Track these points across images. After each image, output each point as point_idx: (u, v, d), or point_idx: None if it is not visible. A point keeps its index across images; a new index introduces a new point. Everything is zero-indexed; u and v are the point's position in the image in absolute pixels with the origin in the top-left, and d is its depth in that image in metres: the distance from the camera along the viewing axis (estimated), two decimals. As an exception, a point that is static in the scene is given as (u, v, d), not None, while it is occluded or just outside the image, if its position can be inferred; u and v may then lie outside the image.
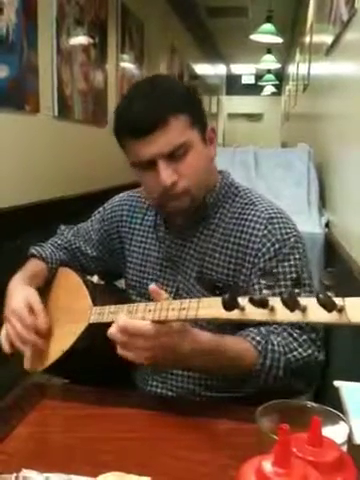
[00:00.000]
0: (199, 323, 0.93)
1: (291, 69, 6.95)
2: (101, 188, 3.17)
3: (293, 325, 0.96)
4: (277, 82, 10.30)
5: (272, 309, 0.63)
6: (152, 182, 0.99)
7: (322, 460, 0.52)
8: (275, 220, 1.02)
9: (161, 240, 1.14)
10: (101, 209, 1.29)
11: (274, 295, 0.63)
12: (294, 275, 0.99)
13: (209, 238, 1.07)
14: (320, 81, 2.90)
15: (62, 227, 1.34)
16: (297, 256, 1.01)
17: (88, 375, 1.02)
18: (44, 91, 2.51)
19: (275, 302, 0.62)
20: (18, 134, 2.31)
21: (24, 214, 2.27)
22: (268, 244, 1.00)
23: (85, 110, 3.11)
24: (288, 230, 1.02)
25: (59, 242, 1.28)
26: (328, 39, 2.30)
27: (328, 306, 0.57)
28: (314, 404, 0.67)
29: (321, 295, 0.57)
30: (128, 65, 3.97)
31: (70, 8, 2.78)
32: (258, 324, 0.95)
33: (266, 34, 5.19)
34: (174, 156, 0.96)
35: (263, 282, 0.67)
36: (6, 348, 1.05)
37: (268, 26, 5.17)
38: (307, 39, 3.97)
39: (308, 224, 1.92)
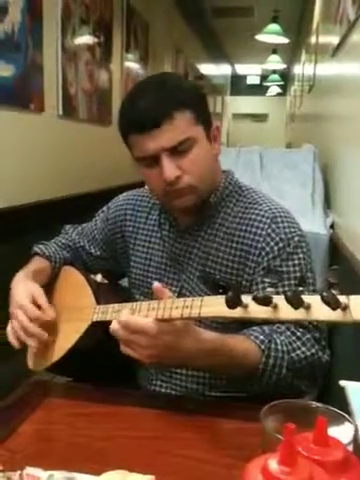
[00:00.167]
0: (203, 322, 0.93)
1: (297, 69, 6.94)
2: (106, 187, 3.17)
3: (297, 324, 0.96)
4: (282, 82, 10.29)
5: (275, 307, 0.63)
6: (156, 178, 0.99)
7: (328, 459, 0.52)
8: (279, 219, 1.03)
9: (165, 239, 1.14)
10: (105, 208, 1.29)
11: (278, 293, 0.63)
12: (298, 274, 0.99)
13: (213, 237, 1.07)
14: (326, 82, 2.89)
15: (67, 227, 1.34)
16: (301, 255, 1.01)
17: (91, 374, 1.02)
18: (49, 90, 2.51)
19: (279, 300, 0.62)
20: (23, 133, 2.32)
21: (28, 213, 2.27)
22: (272, 243, 1.00)
23: (90, 109, 3.11)
24: (292, 229, 1.02)
25: (63, 241, 1.29)
26: (334, 39, 2.29)
27: (332, 304, 0.57)
28: (319, 404, 0.67)
29: (325, 293, 0.57)
30: (133, 65, 3.97)
31: (75, 7, 2.79)
32: (262, 323, 0.95)
33: (272, 34, 5.19)
34: (178, 151, 0.97)
35: (267, 280, 0.67)
36: (14, 343, 1.05)
37: (274, 26, 5.16)
38: (313, 39, 3.96)
39: (313, 225, 1.92)
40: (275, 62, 7.38)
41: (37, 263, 1.19)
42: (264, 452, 0.52)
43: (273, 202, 1.08)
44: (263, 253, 1.00)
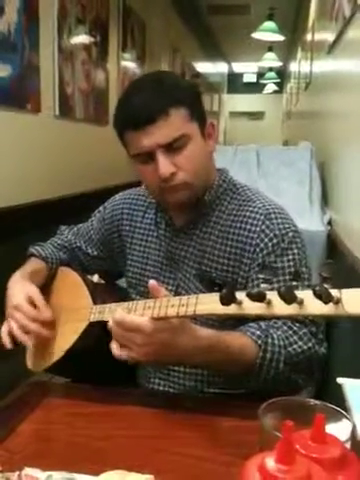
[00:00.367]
0: (200, 320, 0.94)
1: (293, 67, 6.93)
2: (102, 187, 3.17)
3: (293, 319, 0.96)
4: (279, 80, 10.30)
5: (269, 303, 0.63)
6: (151, 174, 1.00)
7: (325, 457, 0.52)
8: (273, 215, 1.03)
9: (161, 238, 1.14)
10: (101, 208, 1.29)
11: (272, 289, 0.64)
12: (293, 269, 0.99)
13: (208, 235, 1.08)
14: (322, 79, 2.89)
15: (62, 227, 1.35)
16: (295, 251, 1.01)
17: (90, 374, 1.03)
18: (45, 90, 2.51)
19: (272, 296, 0.63)
20: (19, 133, 2.31)
21: (25, 213, 2.26)
22: (266, 239, 1.01)
23: (86, 109, 3.11)
24: (286, 225, 1.03)
25: (59, 242, 1.29)
26: (330, 36, 2.29)
27: (324, 298, 0.57)
28: (317, 401, 0.67)
29: (317, 287, 0.57)
30: (130, 64, 3.96)
31: (71, 7, 2.78)
32: (257, 319, 0.96)
33: (268, 32, 5.20)
34: (173, 148, 0.98)
35: (261, 276, 0.67)
36: (7, 343, 1.05)
37: (270, 24, 5.17)
38: (309, 37, 3.96)
39: (310, 222, 1.92)
40: (271, 60, 7.39)
41: (33, 264, 1.19)
42: (262, 450, 0.52)
43: (267, 199, 1.08)
44: (257, 250, 1.01)
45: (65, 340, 1.04)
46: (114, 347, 0.84)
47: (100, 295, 1.08)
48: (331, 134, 2.28)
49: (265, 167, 2.35)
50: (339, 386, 0.71)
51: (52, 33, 2.58)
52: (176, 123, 0.97)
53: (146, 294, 1.01)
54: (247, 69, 11.54)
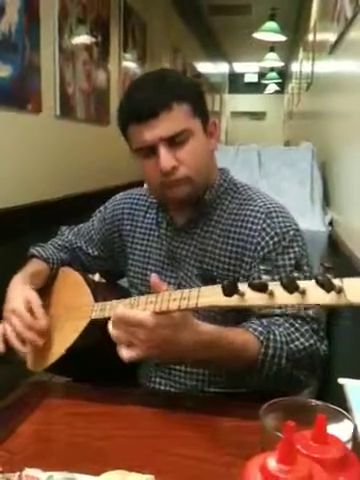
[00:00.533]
0: (202, 314, 0.94)
1: (294, 67, 6.93)
2: (103, 187, 3.17)
3: (295, 316, 0.96)
4: (280, 80, 10.30)
5: (271, 293, 0.63)
6: (153, 169, 1.01)
7: (327, 457, 0.51)
8: (274, 214, 1.04)
9: (163, 238, 1.15)
10: (102, 208, 1.29)
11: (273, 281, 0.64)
12: (294, 268, 0.99)
13: (209, 234, 1.08)
14: (324, 79, 2.89)
15: (63, 228, 1.35)
16: (296, 249, 1.02)
17: (91, 373, 1.02)
18: (46, 90, 2.51)
19: (274, 286, 0.63)
20: (20, 133, 2.31)
21: (26, 214, 2.27)
22: (267, 238, 1.01)
23: (87, 109, 3.11)
24: (287, 223, 1.03)
25: (60, 242, 1.29)
26: (332, 37, 2.29)
27: (326, 286, 0.57)
28: (318, 402, 0.67)
29: (319, 276, 0.58)
30: (131, 64, 3.96)
31: (72, 7, 2.78)
32: (260, 316, 0.96)
33: (269, 32, 5.19)
34: (175, 142, 0.99)
35: (262, 268, 0.68)
36: (0, 348, 1.05)
37: (271, 24, 5.16)
38: (310, 37, 3.96)
39: (312, 222, 1.92)
40: (273, 60, 7.39)
41: (35, 265, 1.19)
42: (263, 450, 0.52)
43: (268, 198, 1.09)
44: (259, 248, 1.01)
45: (66, 339, 1.04)
46: (122, 350, 0.83)
47: (101, 293, 1.08)
48: (332, 134, 2.28)
49: (266, 167, 2.35)
50: (340, 386, 0.71)
51: (53, 33, 2.58)
52: (179, 118, 0.99)
53: (148, 293, 1.01)
54: (248, 69, 11.55)
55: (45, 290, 1.18)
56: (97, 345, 1.01)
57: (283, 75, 10.09)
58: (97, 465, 0.69)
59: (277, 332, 0.93)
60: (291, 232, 1.03)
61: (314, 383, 1.27)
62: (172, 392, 1.11)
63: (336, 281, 0.57)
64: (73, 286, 1.15)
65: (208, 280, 1.05)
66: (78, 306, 1.08)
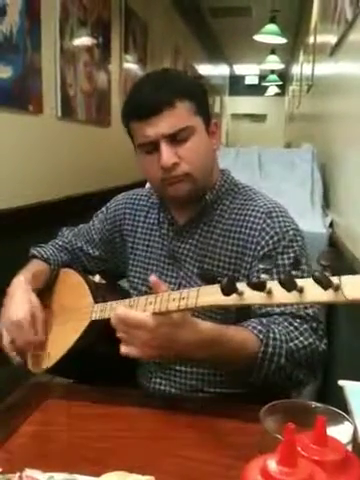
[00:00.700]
0: (203, 314, 0.94)
1: (295, 69, 6.94)
2: (105, 188, 3.17)
3: (294, 315, 0.97)
4: (281, 82, 10.29)
5: (270, 292, 0.64)
6: (154, 165, 1.02)
7: (327, 459, 0.51)
8: (274, 214, 1.04)
9: (164, 237, 1.15)
10: (104, 209, 1.30)
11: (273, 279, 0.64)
12: (292, 265, 0.99)
13: (210, 234, 1.09)
14: (324, 81, 2.89)
15: (64, 229, 1.35)
16: (296, 248, 1.02)
17: (91, 374, 1.03)
18: (48, 92, 2.51)
19: (273, 285, 0.63)
20: (21, 134, 2.32)
21: (27, 214, 2.27)
22: (267, 237, 1.02)
23: (88, 111, 3.11)
24: (287, 223, 1.04)
25: (60, 243, 1.29)
26: (332, 39, 2.29)
27: (324, 283, 0.57)
28: (318, 404, 0.67)
29: (317, 273, 0.58)
30: (132, 66, 3.97)
31: (73, 9, 2.79)
32: (259, 315, 0.97)
33: (270, 34, 5.19)
34: (177, 140, 1.00)
35: (261, 266, 0.68)
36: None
37: (272, 26, 5.16)
38: (311, 39, 3.96)
39: (312, 224, 1.92)
40: (273, 62, 7.38)
41: (36, 266, 1.19)
42: (261, 453, 0.52)
43: (268, 198, 1.10)
44: (259, 247, 1.02)
45: (66, 340, 1.05)
46: (122, 347, 0.84)
47: (102, 294, 1.09)
48: (333, 136, 2.28)
49: (267, 169, 2.35)
50: (340, 388, 0.71)
51: (54, 35, 2.58)
52: (181, 115, 1.00)
53: (148, 293, 1.01)
54: (249, 71, 11.55)
55: (45, 291, 1.18)
56: (97, 346, 1.01)
57: (284, 77, 10.09)
58: (97, 466, 0.69)
59: (276, 330, 0.93)
60: (291, 232, 1.03)
61: (314, 382, 1.27)
62: (172, 392, 1.11)
63: (334, 278, 0.58)
64: (73, 287, 1.15)
65: (209, 279, 1.05)
66: (78, 307, 1.08)
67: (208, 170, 1.07)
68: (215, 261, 1.07)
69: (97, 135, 3.29)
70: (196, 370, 1.08)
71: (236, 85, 12.12)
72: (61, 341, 1.07)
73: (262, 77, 11.00)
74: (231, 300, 0.68)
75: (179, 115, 1.00)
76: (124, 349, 0.83)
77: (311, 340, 0.95)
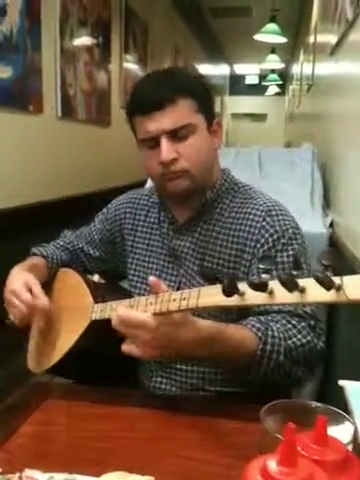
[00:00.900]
0: (202, 315, 0.94)
1: (295, 69, 6.94)
2: (105, 188, 3.17)
3: (292, 313, 0.97)
4: (281, 82, 10.29)
5: (271, 292, 0.63)
6: (155, 160, 1.03)
7: (327, 459, 0.51)
8: (273, 212, 1.05)
9: (164, 236, 1.16)
10: (105, 209, 1.30)
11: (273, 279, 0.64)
12: (293, 265, 1.00)
13: (210, 232, 1.09)
14: (324, 81, 2.89)
15: (65, 231, 1.36)
16: (296, 246, 1.03)
17: (92, 374, 1.03)
18: (48, 91, 2.51)
19: (274, 285, 0.63)
20: (22, 134, 2.32)
21: (26, 214, 2.27)
22: (267, 235, 1.03)
23: (89, 110, 3.11)
24: (286, 222, 1.05)
25: (61, 243, 1.30)
26: (332, 39, 2.29)
27: (326, 283, 0.57)
28: (318, 404, 0.67)
29: (319, 273, 0.58)
30: (132, 66, 3.97)
31: (73, 9, 2.79)
32: (257, 313, 0.97)
33: (270, 34, 5.19)
34: (177, 136, 1.01)
35: (261, 266, 0.68)
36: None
37: (272, 26, 5.16)
38: (311, 39, 3.96)
39: (312, 224, 1.91)
40: (273, 62, 7.38)
41: (34, 259, 1.21)
42: (261, 453, 0.52)
43: (268, 196, 1.11)
44: (258, 245, 1.03)
45: (67, 340, 1.05)
46: (125, 346, 0.84)
47: (101, 294, 1.09)
48: (333, 136, 2.28)
49: (267, 169, 2.35)
50: (340, 388, 0.71)
51: (54, 34, 2.58)
52: (183, 112, 1.01)
53: (149, 292, 1.01)
54: (249, 71, 11.55)
55: (45, 291, 1.18)
56: (97, 346, 1.01)
57: (284, 77, 10.09)
58: (97, 466, 0.69)
59: (275, 328, 0.94)
60: (290, 230, 1.04)
61: (313, 380, 1.27)
62: (173, 391, 1.11)
63: (335, 278, 0.58)
64: (73, 287, 1.15)
65: (208, 276, 1.06)
66: (78, 307, 1.08)
67: (207, 168, 1.07)
68: (215, 259, 1.07)
69: (97, 135, 3.29)
70: (197, 369, 1.09)
71: (236, 85, 12.12)
72: (61, 341, 1.07)
73: (262, 77, 11.00)
74: (232, 301, 0.68)
75: (181, 112, 1.01)
76: (125, 347, 0.84)
77: (309, 338, 0.96)
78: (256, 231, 1.04)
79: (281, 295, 0.62)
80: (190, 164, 1.03)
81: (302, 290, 0.60)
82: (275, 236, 1.02)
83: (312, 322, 0.98)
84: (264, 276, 0.64)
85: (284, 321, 0.96)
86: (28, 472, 0.68)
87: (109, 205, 1.30)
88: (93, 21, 3.08)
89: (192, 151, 1.03)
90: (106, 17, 3.32)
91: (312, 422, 0.54)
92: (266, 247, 1.02)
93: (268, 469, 0.47)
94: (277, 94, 11.32)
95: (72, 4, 2.76)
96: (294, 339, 0.94)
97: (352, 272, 0.58)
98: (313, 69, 3.66)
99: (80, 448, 0.80)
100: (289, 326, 0.96)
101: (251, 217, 1.05)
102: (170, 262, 1.13)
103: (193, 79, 1.11)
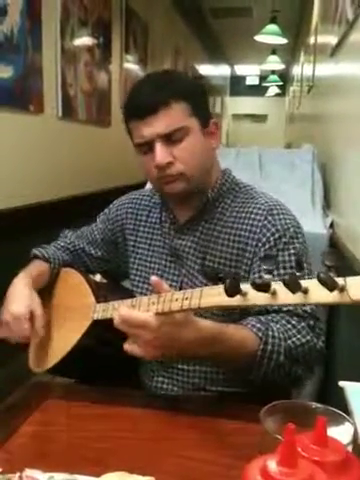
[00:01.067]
0: (204, 315, 0.94)
1: (295, 70, 6.94)
2: (105, 188, 3.18)
3: (291, 313, 0.97)
4: (281, 83, 10.29)
5: (274, 293, 0.63)
6: (150, 164, 1.04)
7: (327, 460, 0.51)
8: (275, 211, 1.05)
9: (165, 236, 1.16)
10: (106, 210, 1.31)
11: (276, 280, 0.64)
12: (294, 264, 1.01)
13: (211, 231, 1.10)
14: (325, 82, 2.89)
15: (66, 231, 1.36)
16: (297, 245, 1.03)
17: (93, 373, 1.03)
18: (48, 91, 2.52)
19: (277, 285, 0.63)
20: (22, 134, 2.32)
21: (26, 214, 2.27)
22: (268, 234, 1.03)
23: (89, 110, 3.11)
24: (287, 220, 1.05)
25: (62, 244, 1.30)
26: (333, 40, 2.29)
27: (329, 284, 0.57)
28: (318, 404, 0.67)
29: (322, 274, 0.58)
30: (132, 66, 3.97)
31: (74, 9, 2.79)
32: (257, 313, 0.97)
33: (270, 35, 5.19)
34: (172, 140, 1.02)
35: (264, 267, 0.68)
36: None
37: (272, 27, 5.16)
38: (312, 40, 3.96)
39: (312, 224, 1.91)
40: (274, 63, 7.38)
41: (37, 266, 1.20)
42: (261, 453, 0.52)
43: (269, 196, 1.11)
44: (260, 244, 1.03)
45: (68, 340, 1.05)
46: (127, 345, 0.84)
47: (103, 294, 1.09)
48: (333, 137, 2.28)
49: (267, 169, 2.35)
50: (341, 389, 0.71)
51: (55, 35, 2.59)
52: (176, 116, 1.01)
53: (151, 292, 1.01)
54: (250, 72, 11.56)
55: (47, 290, 1.19)
56: (99, 346, 1.01)
57: (284, 78, 10.09)
58: (98, 466, 0.69)
59: (275, 329, 0.94)
60: (292, 229, 1.04)
61: (312, 379, 1.27)
62: (174, 390, 1.11)
63: (338, 280, 0.58)
64: (75, 287, 1.15)
65: (210, 275, 1.06)
66: (80, 307, 1.08)
67: (204, 169, 1.08)
68: (216, 258, 1.07)
69: (97, 135, 3.30)
70: (199, 368, 1.09)
71: (237, 85, 12.12)
72: (63, 341, 1.07)
73: (263, 77, 11.01)
74: (235, 301, 0.68)
75: (174, 116, 1.01)
76: (127, 347, 0.84)
77: (309, 338, 0.96)
78: (257, 230, 1.04)
79: (284, 296, 0.62)
80: (185, 167, 1.03)
81: (305, 291, 0.60)
82: (276, 235, 1.03)
83: (311, 322, 0.98)
84: (267, 276, 0.64)
85: (284, 321, 0.97)
86: (28, 472, 0.68)
87: (111, 205, 1.30)
88: (94, 21, 3.09)
89: (187, 154, 1.03)
90: (107, 17, 3.33)
91: (312, 423, 0.54)
92: (267, 246, 1.02)
93: (268, 469, 0.47)
94: (277, 95, 11.32)
95: (73, 4, 2.76)
96: (294, 339, 0.95)
97: (352, 272, 0.58)
98: (313, 70, 3.66)
99: (80, 448, 0.80)
100: (289, 326, 0.96)
101: (252, 216, 1.06)
102: (172, 262, 1.14)
103: (187, 81, 1.11)
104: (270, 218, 1.04)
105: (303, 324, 0.97)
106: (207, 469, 0.74)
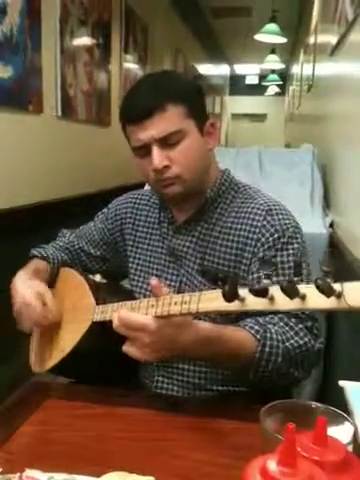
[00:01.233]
0: (202, 318, 0.94)
1: (295, 69, 6.93)
2: (105, 188, 3.17)
3: (290, 315, 0.98)
4: (281, 82, 10.29)
5: (272, 298, 0.63)
6: (147, 167, 1.04)
7: (327, 460, 0.51)
8: (274, 211, 1.05)
9: (164, 236, 1.16)
10: (105, 209, 1.31)
11: (273, 284, 0.64)
12: (292, 264, 1.01)
13: (210, 232, 1.10)
14: (324, 81, 2.89)
15: (64, 230, 1.36)
16: (296, 246, 1.03)
17: (93, 374, 1.03)
18: (48, 91, 2.51)
19: (275, 291, 0.63)
20: (22, 134, 2.31)
21: (26, 214, 2.27)
22: (267, 234, 1.03)
23: (89, 110, 3.11)
24: (286, 221, 1.05)
25: (61, 244, 1.30)
26: (333, 39, 2.29)
27: (326, 291, 0.57)
28: (319, 404, 0.67)
29: (319, 280, 0.58)
30: (132, 66, 3.97)
31: (74, 8, 2.79)
32: (255, 314, 0.97)
33: (270, 34, 5.19)
34: (168, 143, 1.02)
35: (262, 272, 0.68)
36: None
37: (272, 26, 5.16)
38: (311, 39, 3.96)
39: (312, 224, 1.92)
40: (274, 62, 7.38)
41: (36, 263, 1.20)
42: (263, 453, 0.52)
43: (268, 196, 1.11)
44: (259, 244, 1.03)
45: (69, 340, 1.05)
46: (125, 347, 0.85)
47: (103, 295, 1.09)
48: (333, 136, 2.28)
49: (267, 169, 2.35)
50: (340, 389, 0.71)
51: (54, 34, 2.58)
52: (172, 119, 1.01)
53: (150, 292, 1.01)
54: (249, 71, 11.56)
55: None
56: (99, 346, 1.01)
57: (284, 77, 10.08)
58: (98, 466, 0.69)
59: (273, 330, 0.94)
60: (291, 229, 1.04)
61: (311, 380, 1.28)
62: (174, 390, 1.12)
63: (336, 285, 0.57)
64: (74, 287, 1.15)
65: (209, 275, 1.07)
66: (80, 308, 1.08)
67: (202, 171, 1.08)
68: (215, 258, 1.07)
69: (97, 135, 3.29)
70: (198, 368, 1.09)
71: (236, 85, 12.12)
72: (63, 341, 1.07)
73: (262, 77, 11.00)
74: (233, 306, 0.68)
75: (170, 119, 1.01)
76: (125, 348, 0.84)
77: (306, 339, 0.96)
78: (256, 230, 1.04)
79: (282, 301, 0.62)
80: (182, 169, 1.03)
81: (303, 297, 0.60)
82: (275, 235, 1.03)
83: (310, 323, 0.98)
84: (265, 281, 0.64)
85: (282, 323, 0.97)
86: (28, 472, 0.68)
87: (110, 205, 1.30)
88: (93, 21, 3.08)
89: (184, 157, 1.03)
90: (106, 17, 3.32)
91: (312, 423, 0.54)
92: (266, 246, 1.02)
93: (268, 469, 0.47)
94: (277, 94, 11.32)
95: (72, 4, 2.76)
96: (292, 341, 0.95)
97: (351, 272, 0.58)
98: (313, 69, 3.66)
99: (80, 448, 0.80)
100: (287, 328, 0.96)
101: (252, 216, 1.06)
102: (171, 262, 1.14)
103: (184, 83, 1.11)
104: (269, 218, 1.04)
105: (301, 326, 0.97)
106: (207, 469, 0.74)
